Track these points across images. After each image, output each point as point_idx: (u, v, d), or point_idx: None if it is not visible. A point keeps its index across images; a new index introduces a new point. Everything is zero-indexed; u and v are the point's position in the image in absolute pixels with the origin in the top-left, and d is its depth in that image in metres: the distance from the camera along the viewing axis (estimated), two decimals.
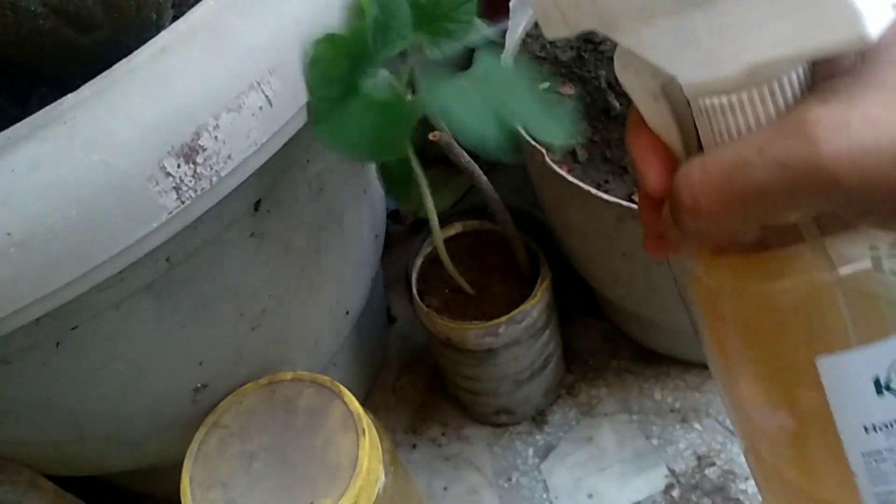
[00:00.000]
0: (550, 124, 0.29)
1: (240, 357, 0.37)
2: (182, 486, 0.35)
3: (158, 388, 0.35)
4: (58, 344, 0.30)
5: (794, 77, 0.17)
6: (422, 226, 0.68)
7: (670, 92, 0.20)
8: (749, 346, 0.23)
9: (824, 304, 0.20)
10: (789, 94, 0.17)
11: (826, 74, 0.17)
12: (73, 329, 0.30)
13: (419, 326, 0.61)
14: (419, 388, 0.57)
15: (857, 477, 0.21)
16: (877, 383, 0.20)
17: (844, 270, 0.19)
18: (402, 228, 0.67)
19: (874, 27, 0.15)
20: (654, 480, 0.49)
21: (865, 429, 0.21)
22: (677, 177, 0.18)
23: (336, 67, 0.26)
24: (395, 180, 0.37)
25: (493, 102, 0.27)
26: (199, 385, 0.37)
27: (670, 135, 0.21)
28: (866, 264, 0.19)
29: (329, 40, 0.26)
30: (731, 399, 0.26)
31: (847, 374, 0.20)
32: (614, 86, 0.45)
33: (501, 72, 0.31)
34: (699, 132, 0.20)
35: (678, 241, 0.23)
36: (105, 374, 0.33)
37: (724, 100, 0.18)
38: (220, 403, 0.38)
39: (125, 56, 0.25)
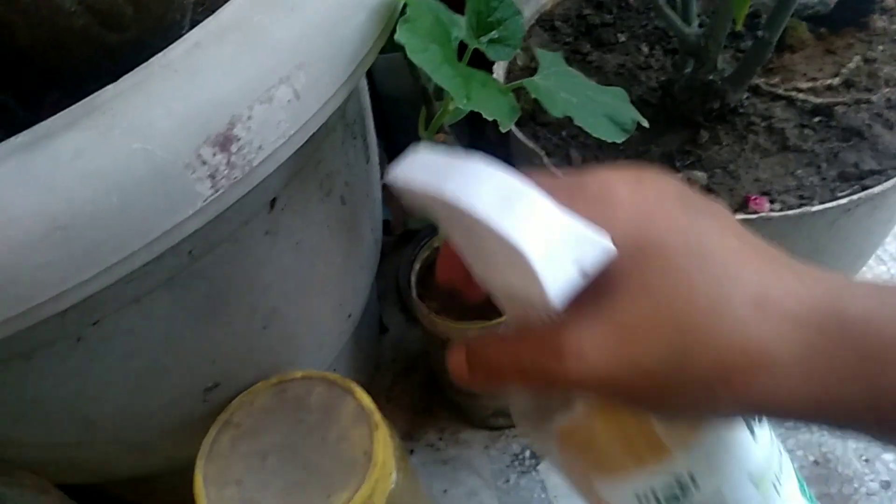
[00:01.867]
0: (612, 127, 0.35)
1: (251, 356, 0.38)
2: (196, 486, 0.35)
3: (172, 387, 0.35)
4: (79, 339, 0.30)
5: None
6: (410, 237, 0.69)
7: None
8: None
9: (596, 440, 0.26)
10: (545, 309, 0.22)
11: (581, 294, 0.21)
12: (94, 324, 0.30)
13: (411, 335, 0.62)
14: (414, 394, 0.58)
15: None
16: (637, 497, 0.26)
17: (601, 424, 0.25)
18: (391, 239, 0.68)
19: (556, 296, 0.20)
20: None
21: None
22: (485, 342, 0.24)
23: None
24: None
25: (592, 102, 0.35)
26: (210, 384, 0.37)
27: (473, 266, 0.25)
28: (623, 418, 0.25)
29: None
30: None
31: (617, 491, 0.26)
32: None
33: (566, 69, 0.37)
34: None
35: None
36: (121, 373, 0.33)
37: (499, 296, 0.24)
38: (231, 403, 0.38)
39: (149, 55, 0.26)
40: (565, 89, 0.36)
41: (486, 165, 0.21)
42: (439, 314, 0.47)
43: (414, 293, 0.48)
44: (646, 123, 0.37)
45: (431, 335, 0.48)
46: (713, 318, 0.20)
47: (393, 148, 0.71)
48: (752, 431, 0.27)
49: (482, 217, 0.20)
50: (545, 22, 0.54)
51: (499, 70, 0.49)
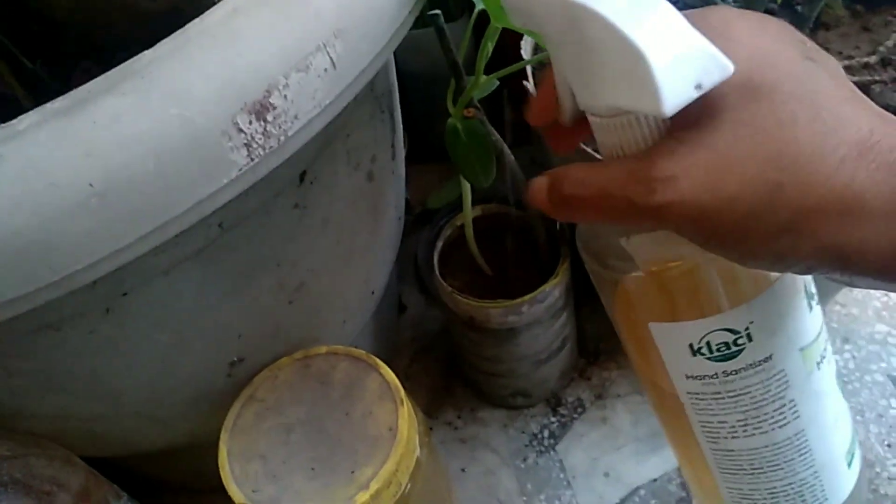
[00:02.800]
0: None
1: (276, 331, 0.38)
2: (220, 460, 0.35)
3: (197, 361, 0.35)
4: (108, 311, 0.30)
5: (650, 118, 0.22)
6: (429, 216, 0.69)
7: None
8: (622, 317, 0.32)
9: (659, 289, 0.28)
10: (652, 127, 0.22)
11: (681, 120, 0.21)
12: (123, 295, 0.30)
13: (429, 315, 0.62)
14: (432, 373, 0.58)
15: (686, 408, 0.31)
16: (690, 348, 0.28)
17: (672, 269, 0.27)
18: (410, 219, 0.68)
19: (670, 105, 0.20)
20: (669, 458, 0.50)
21: (686, 376, 0.29)
22: (570, 171, 0.24)
23: None
24: (470, 155, 0.38)
25: None
26: (235, 359, 0.37)
27: (564, 91, 0.25)
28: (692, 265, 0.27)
29: None
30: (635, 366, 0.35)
31: (668, 337, 0.28)
32: None
33: None
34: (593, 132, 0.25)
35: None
36: (148, 345, 0.33)
37: (601, 121, 0.23)
38: (255, 378, 0.38)
39: (183, 23, 0.25)
40: None
41: None
42: (462, 293, 0.47)
43: (436, 271, 0.48)
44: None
45: (453, 314, 0.48)
46: (814, 158, 0.20)
47: (412, 126, 0.70)
48: (810, 304, 0.29)
49: (606, 16, 0.20)
50: None
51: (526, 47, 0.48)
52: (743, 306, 0.27)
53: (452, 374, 0.57)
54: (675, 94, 0.20)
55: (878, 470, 0.48)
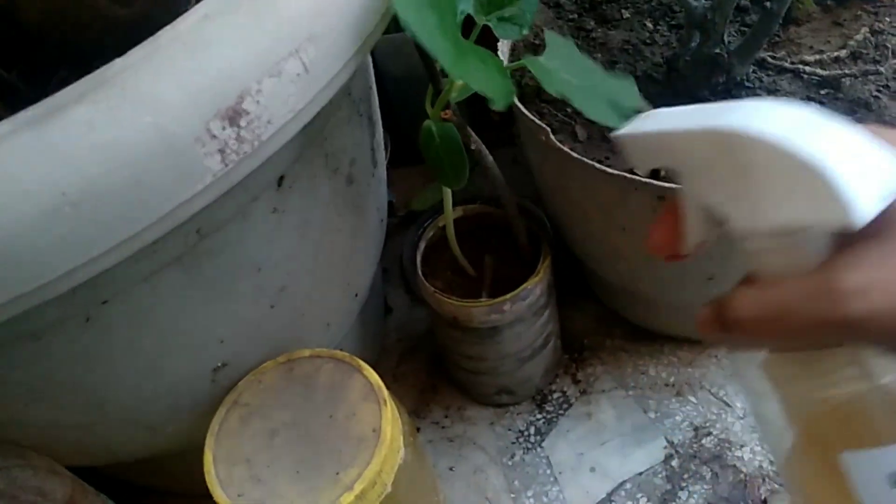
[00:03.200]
0: (611, 114, 0.34)
1: (259, 335, 0.38)
2: (205, 465, 0.36)
3: (180, 367, 0.35)
4: (88, 319, 0.30)
5: (821, 234, 0.21)
6: (413, 218, 0.69)
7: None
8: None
9: (858, 409, 0.24)
10: (821, 244, 0.21)
11: (856, 235, 0.21)
12: (103, 303, 0.30)
13: (415, 315, 0.62)
14: (419, 373, 0.58)
15: None
16: (890, 479, 0.24)
17: (884, 380, 0.23)
18: (394, 221, 0.68)
19: (861, 215, 0.19)
20: (653, 452, 0.50)
21: None
22: (734, 300, 0.23)
23: None
24: (443, 158, 0.38)
25: (593, 87, 0.34)
26: (219, 364, 0.37)
27: (694, 227, 0.25)
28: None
29: None
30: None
31: (869, 468, 0.24)
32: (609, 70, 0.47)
33: (575, 54, 0.36)
34: (747, 259, 0.24)
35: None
36: (131, 352, 0.33)
37: (765, 244, 0.22)
38: (239, 382, 0.38)
39: (156, 30, 0.26)
40: (569, 72, 0.36)
41: (764, 103, 0.21)
42: (445, 293, 0.47)
43: (419, 272, 0.48)
44: (647, 110, 0.37)
45: (437, 314, 0.48)
46: None
47: (395, 129, 0.70)
48: None
49: (772, 139, 0.20)
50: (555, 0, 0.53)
51: (503, 47, 0.48)
52: None
53: (439, 374, 0.57)
54: (864, 203, 0.19)
55: None
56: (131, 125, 0.23)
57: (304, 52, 0.27)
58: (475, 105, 0.71)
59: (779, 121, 0.20)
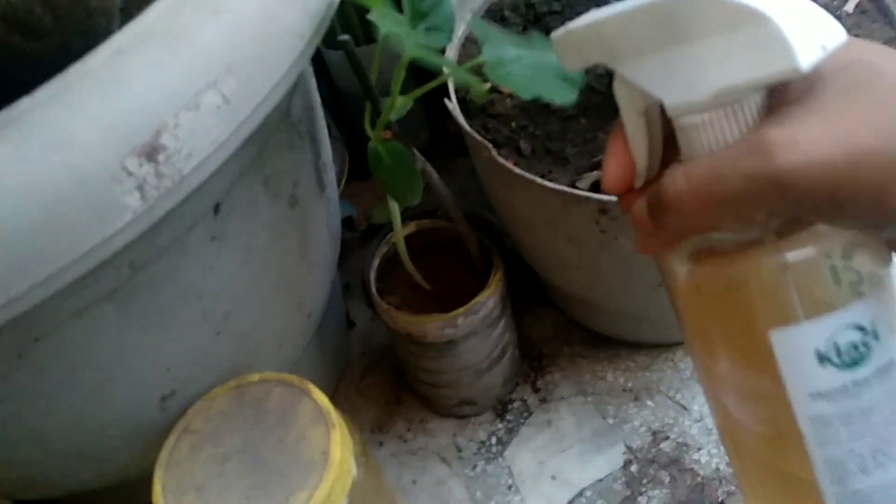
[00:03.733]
0: (563, 86, 0.34)
1: (206, 362, 0.38)
2: (154, 495, 0.35)
3: (126, 397, 0.35)
4: (20, 356, 0.30)
5: (754, 102, 0.22)
6: (374, 232, 0.69)
7: (650, 112, 0.25)
8: (719, 329, 0.27)
9: (776, 286, 0.24)
10: (750, 116, 0.22)
11: (780, 102, 0.21)
12: (35, 341, 0.30)
13: (379, 329, 0.62)
14: (383, 387, 0.58)
15: (806, 440, 0.25)
16: (818, 355, 0.24)
17: (792, 257, 0.23)
18: (356, 235, 0.68)
19: (805, 61, 0.19)
20: (613, 458, 0.51)
21: (811, 396, 0.24)
22: (663, 180, 0.22)
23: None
24: (395, 176, 0.39)
25: (536, 67, 0.34)
26: (167, 392, 0.37)
27: (639, 146, 0.25)
28: (810, 253, 0.23)
29: None
30: (708, 385, 0.30)
31: (794, 346, 0.24)
32: None
33: (511, 40, 0.36)
34: (680, 145, 0.24)
35: (664, 243, 0.26)
36: (70, 387, 0.33)
37: (699, 118, 0.22)
38: (189, 409, 0.38)
39: (74, 62, 0.25)
40: (512, 61, 0.35)
41: None
42: (399, 309, 0.47)
43: (374, 288, 0.48)
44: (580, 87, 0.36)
45: (393, 330, 0.48)
46: None
47: (354, 142, 0.70)
48: None
49: None
50: (494, 12, 0.53)
51: (449, 52, 0.48)
52: (869, 297, 0.24)
53: (403, 386, 0.58)
54: (806, 51, 0.19)
55: None
56: (40, 165, 0.23)
57: (223, 83, 0.26)
58: (432, 116, 0.72)
59: None
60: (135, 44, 0.25)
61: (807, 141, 0.19)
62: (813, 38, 0.20)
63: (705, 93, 0.22)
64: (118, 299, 0.31)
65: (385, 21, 0.31)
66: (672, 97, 0.23)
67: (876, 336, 0.24)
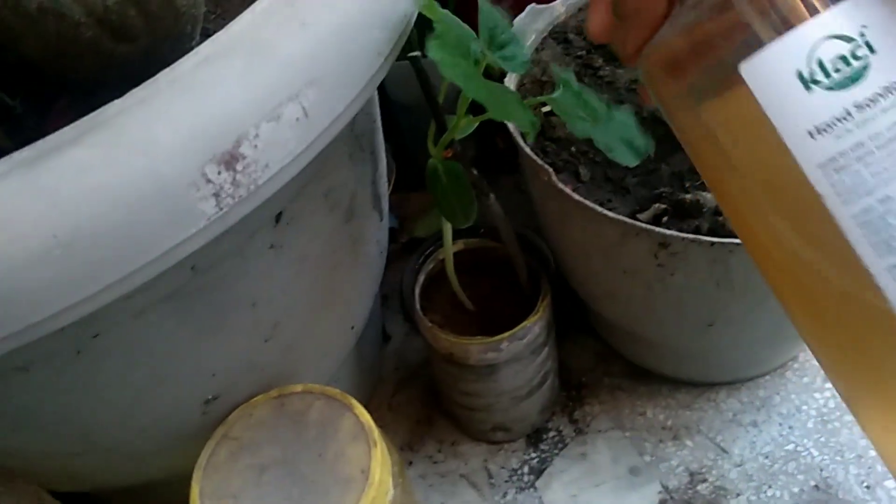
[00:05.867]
0: (626, 146, 0.35)
1: (251, 369, 0.37)
2: (192, 499, 0.35)
3: (171, 399, 0.35)
4: (78, 352, 0.30)
5: None
6: (416, 245, 0.68)
7: None
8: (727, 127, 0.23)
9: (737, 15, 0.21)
10: None
11: None
12: (94, 337, 0.30)
13: (413, 344, 0.62)
14: (415, 405, 0.57)
15: (826, 199, 0.20)
16: (801, 78, 0.20)
17: None
18: (397, 247, 0.68)
19: None
20: (648, 496, 0.50)
21: (810, 134, 0.20)
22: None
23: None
24: (451, 196, 0.39)
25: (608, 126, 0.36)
26: (210, 397, 0.37)
27: None
28: None
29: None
30: (720, 193, 0.25)
31: (769, 74, 0.20)
32: None
33: (583, 91, 0.37)
34: None
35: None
36: (120, 385, 0.33)
37: None
38: (229, 416, 0.38)
39: (159, 65, 0.26)
40: (583, 109, 0.36)
41: None
42: (442, 328, 0.47)
43: (417, 306, 0.48)
44: (652, 151, 0.37)
45: (433, 349, 0.48)
46: None
47: (401, 154, 0.70)
48: None
49: None
50: (558, 34, 0.53)
51: (509, 82, 0.48)
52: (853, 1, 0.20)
53: (435, 405, 0.57)
54: None
55: None
56: (125, 169, 0.23)
57: (304, 96, 0.26)
58: (480, 131, 0.72)
59: None
60: (221, 53, 0.25)
61: None
62: None
63: None
64: (176, 301, 0.31)
65: (444, 56, 0.30)
66: None
67: (870, 48, 0.19)
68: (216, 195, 0.25)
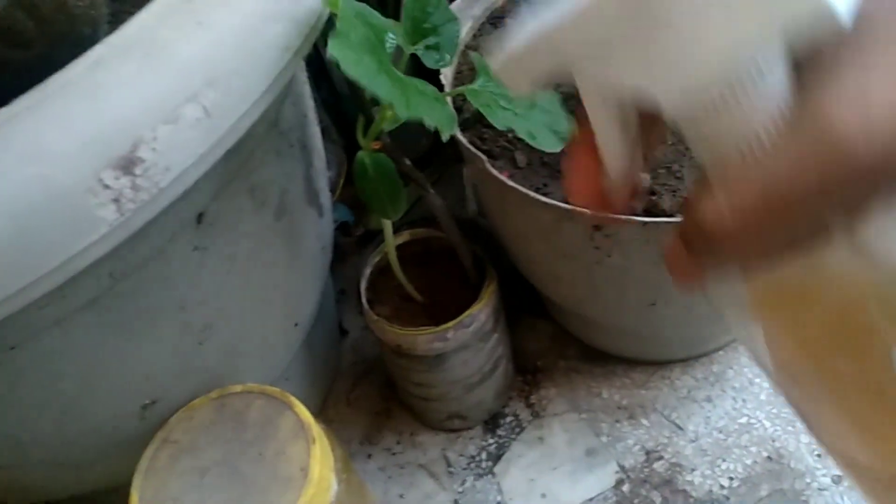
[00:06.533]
0: (550, 136, 0.34)
1: (188, 371, 0.37)
2: None
3: (105, 406, 0.35)
4: None
5: (775, 72, 0.16)
6: (371, 238, 0.68)
7: (623, 109, 0.20)
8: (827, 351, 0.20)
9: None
10: (770, 88, 0.16)
11: (813, 68, 0.16)
12: (11, 349, 0.29)
13: (371, 338, 0.62)
14: (373, 398, 0.58)
15: None
16: None
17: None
18: (352, 241, 0.68)
19: (842, 6, 0.15)
20: (604, 477, 0.50)
21: None
22: (704, 201, 0.17)
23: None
24: (378, 189, 0.38)
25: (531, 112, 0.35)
26: (147, 402, 0.36)
27: (614, 147, 0.20)
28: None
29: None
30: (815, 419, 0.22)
31: None
32: None
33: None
34: (694, 149, 0.19)
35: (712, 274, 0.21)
36: (48, 395, 0.32)
37: (710, 102, 0.17)
38: (169, 419, 0.38)
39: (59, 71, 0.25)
40: (504, 97, 0.36)
41: None
42: (390, 320, 0.47)
43: (364, 300, 0.48)
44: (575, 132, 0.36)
45: (382, 342, 0.48)
46: None
47: (354, 148, 0.70)
48: None
49: None
50: (496, 19, 0.53)
51: (446, 73, 0.48)
52: None
53: (394, 397, 0.57)
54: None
55: (808, 480, 0.48)
56: (15, 177, 0.23)
57: (204, 96, 0.26)
58: (423, 127, 0.71)
59: None
60: (115, 56, 0.25)
61: (879, 104, 0.14)
62: None
63: (707, 72, 0.16)
64: (98, 308, 0.31)
65: (346, 53, 0.28)
66: (669, 91, 0.17)
67: None
68: (116, 200, 0.25)
